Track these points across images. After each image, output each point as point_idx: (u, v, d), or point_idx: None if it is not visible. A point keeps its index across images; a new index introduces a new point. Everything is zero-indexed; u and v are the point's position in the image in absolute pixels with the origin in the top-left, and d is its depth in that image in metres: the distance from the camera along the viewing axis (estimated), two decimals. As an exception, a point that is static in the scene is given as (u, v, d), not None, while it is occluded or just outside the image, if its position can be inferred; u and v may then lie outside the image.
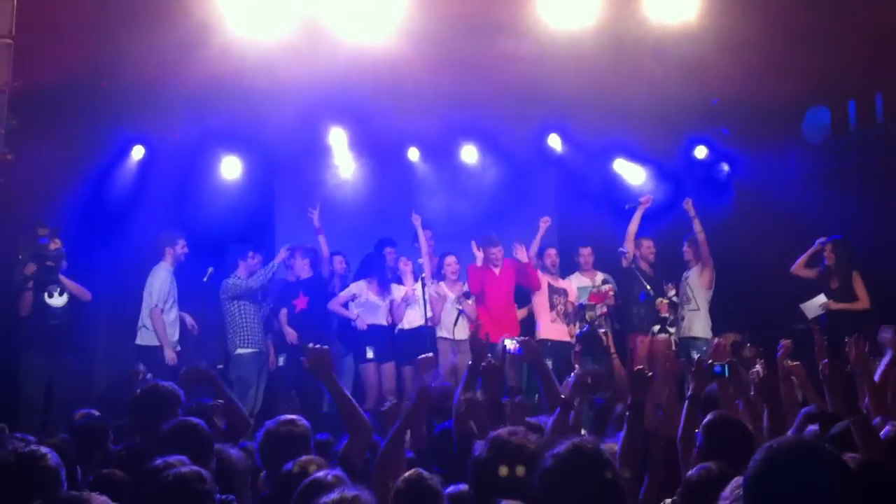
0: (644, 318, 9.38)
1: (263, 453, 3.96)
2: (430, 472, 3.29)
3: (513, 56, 8.78)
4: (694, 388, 4.68)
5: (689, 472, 3.40)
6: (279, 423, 4.01)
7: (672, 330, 9.26)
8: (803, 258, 8.84)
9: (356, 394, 8.88)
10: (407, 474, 3.21)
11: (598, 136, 10.42)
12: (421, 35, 8.20)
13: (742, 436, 3.92)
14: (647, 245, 9.53)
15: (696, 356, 6.56)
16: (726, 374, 4.87)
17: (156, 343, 8.41)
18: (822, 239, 8.72)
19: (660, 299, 9.32)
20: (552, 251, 9.55)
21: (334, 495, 2.80)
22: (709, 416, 4.02)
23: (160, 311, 8.47)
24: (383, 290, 9.05)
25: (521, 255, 9.25)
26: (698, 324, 9.18)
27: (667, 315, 9.28)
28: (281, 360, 8.70)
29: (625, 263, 9.47)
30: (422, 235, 9.42)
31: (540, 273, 9.38)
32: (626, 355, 9.19)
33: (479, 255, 9.27)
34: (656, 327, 9.24)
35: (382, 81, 8.94)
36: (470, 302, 9.12)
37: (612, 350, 8.04)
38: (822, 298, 8.61)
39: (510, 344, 5.35)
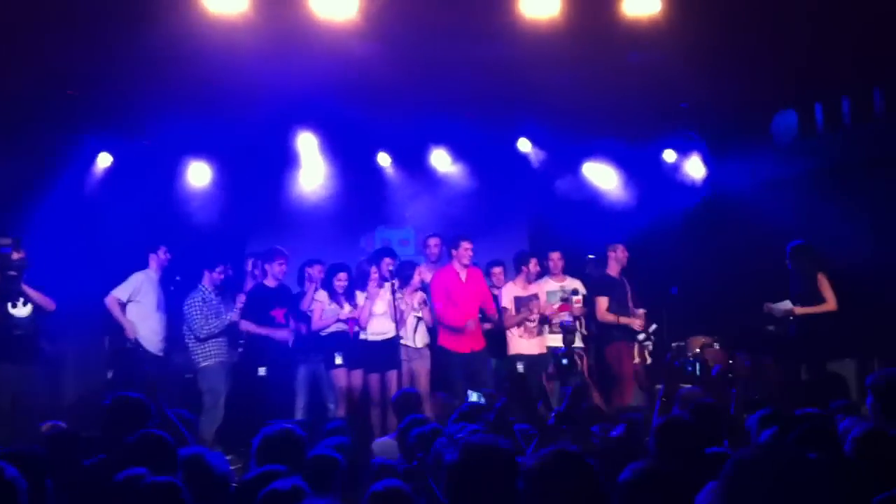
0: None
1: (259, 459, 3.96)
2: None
3: (483, 60, 8.76)
4: (666, 388, 4.69)
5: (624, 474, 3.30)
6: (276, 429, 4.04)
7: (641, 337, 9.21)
8: None
9: (314, 402, 8.85)
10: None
11: (569, 140, 10.43)
12: (392, 38, 8.19)
13: (691, 438, 3.93)
14: (622, 250, 9.50)
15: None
16: (697, 373, 4.91)
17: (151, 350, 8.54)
18: None
19: (641, 310, 9.29)
20: (533, 261, 9.42)
21: None
22: (659, 421, 4.04)
23: (114, 300, 8.61)
24: (336, 298, 8.91)
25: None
26: None
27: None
28: (262, 371, 8.58)
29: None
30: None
31: (506, 288, 9.30)
32: (603, 361, 9.21)
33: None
34: (641, 335, 9.19)
35: (353, 85, 8.91)
36: (427, 308, 9.07)
37: (585, 373, 8.10)
38: (787, 304, 8.68)
39: (474, 396, 5.38)
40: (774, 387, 9.09)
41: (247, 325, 8.71)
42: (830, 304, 8.56)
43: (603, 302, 9.22)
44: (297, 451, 3.92)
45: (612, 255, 9.44)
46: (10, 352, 7.70)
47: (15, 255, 7.73)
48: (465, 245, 9.09)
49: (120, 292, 8.65)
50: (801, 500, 2.10)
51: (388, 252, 9.31)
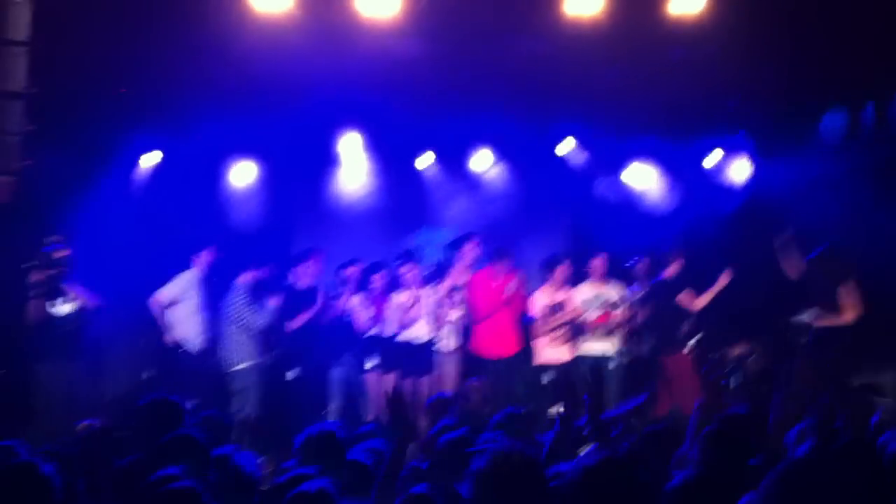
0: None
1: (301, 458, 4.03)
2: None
3: (526, 59, 8.73)
4: (706, 398, 4.65)
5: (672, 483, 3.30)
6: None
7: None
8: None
9: (348, 406, 8.91)
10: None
11: (612, 140, 10.33)
12: (435, 37, 8.21)
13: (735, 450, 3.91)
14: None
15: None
16: (732, 386, 4.87)
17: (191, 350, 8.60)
18: None
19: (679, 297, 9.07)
20: (562, 266, 9.15)
21: None
22: (707, 427, 4.02)
23: (157, 301, 8.60)
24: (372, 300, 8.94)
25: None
26: None
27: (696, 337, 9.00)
28: (291, 375, 8.64)
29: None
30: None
31: (533, 297, 9.11)
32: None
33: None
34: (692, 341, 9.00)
35: (397, 84, 8.94)
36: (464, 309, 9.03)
37: None
38: (810, 313, 8.41)
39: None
40: (811, 398, 8.88)
41: (292, 324, 8.75)
42: (849, 315, 8.10)
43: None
44: (338, 453, 3.99)
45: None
46: (54, 349, 7.87)
47: (58, 253, 7.88)
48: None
49: (164, 294, 8.66)
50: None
51: (410, 255, 9.31)
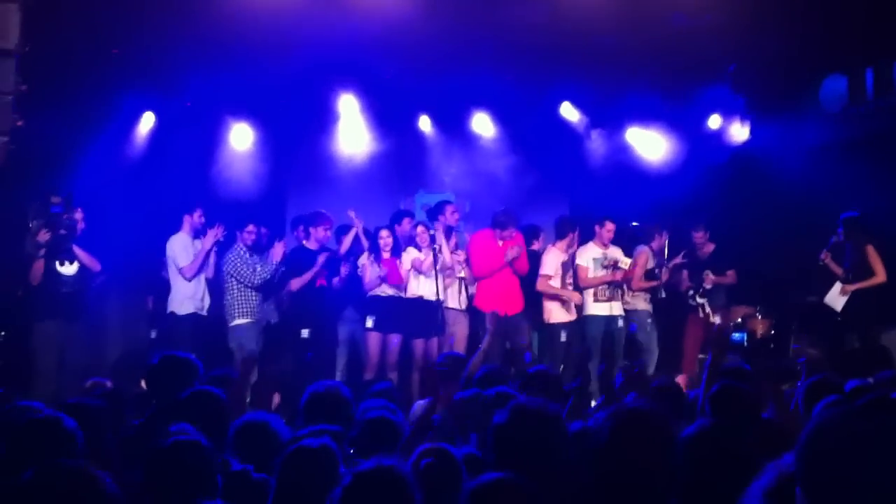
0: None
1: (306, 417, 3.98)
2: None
3: (525, 21, 8.65)
4: (714, 356, 4.64)
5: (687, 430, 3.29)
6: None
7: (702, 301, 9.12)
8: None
9: (354, 363, 8.93)
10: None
11: (612, 104, 10.28)
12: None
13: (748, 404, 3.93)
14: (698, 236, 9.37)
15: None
16: (745, 343, 4.86)
17: (186, 311, 8.43)
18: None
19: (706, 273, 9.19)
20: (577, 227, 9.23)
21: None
22: (714, 387, 4.04)
23: (188, 273, 8.46)
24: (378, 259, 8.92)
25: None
26: None
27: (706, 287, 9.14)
28: (305, 333, 8.61)
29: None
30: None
31: (550, 253, 9.12)
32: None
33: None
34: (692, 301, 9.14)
35: (394, 45, 8.85)
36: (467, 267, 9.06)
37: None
38: (837, 286, 8.59)
39: None
40: (815, 357, 9.01)
41: (296, 283, 8.70)
42: (880, 276, 8.47)
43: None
44: (345, 410, 3.95)
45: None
46: (57, 310, 7.83)
47: (73, 216, 7.87)
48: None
49: (182, 261, 8.48)
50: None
51: (408, 213, 9.37)
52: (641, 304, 9.30)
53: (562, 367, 8.81)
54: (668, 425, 2.88)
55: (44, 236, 7.77)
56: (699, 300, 8.99)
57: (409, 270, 8.87)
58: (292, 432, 3.73)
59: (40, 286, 7.83)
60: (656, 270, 9.21)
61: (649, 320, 9.26)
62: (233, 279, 8.68)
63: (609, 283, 9.06)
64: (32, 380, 7.54)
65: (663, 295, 9.26)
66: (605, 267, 9.08)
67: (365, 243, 8.98)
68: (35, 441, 2.91)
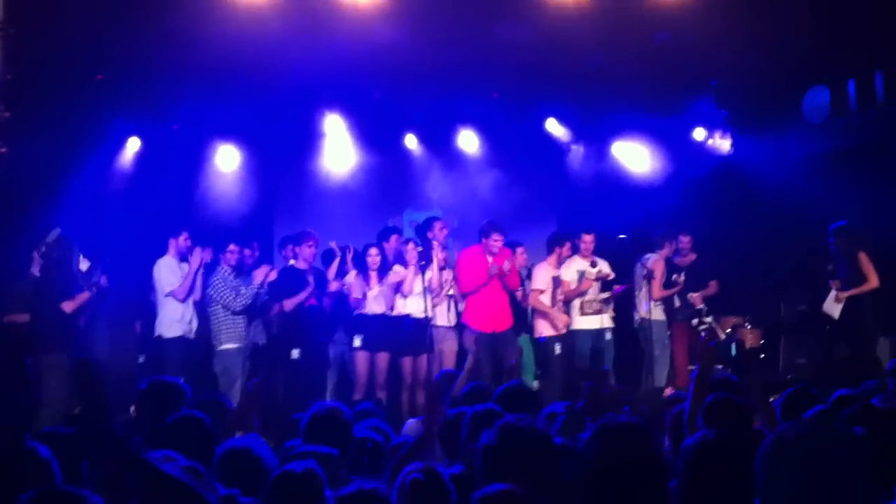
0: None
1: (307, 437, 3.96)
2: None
3: (510, 40, 8.70)
4: (701, 367, 4.62)
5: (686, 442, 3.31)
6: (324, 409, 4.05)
7: (708, 319, 9.17)
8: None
9: (343, 383, 8.90)
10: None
11: (597, 120, 10.34)
12: (418, 18, 8.16)
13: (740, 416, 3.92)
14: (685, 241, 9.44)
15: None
16: (733, 353, 4.86)
17: (173, 334, 8.40)
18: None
19: (691, 294, 9.21)
20: (567, 245, 9.19)
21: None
22: (709, 398, 4.03)
23: (180, 296, 8.45)
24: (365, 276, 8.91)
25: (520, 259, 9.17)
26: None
27: (701, 307, 9.17)
28: (296, 353, 8.57)
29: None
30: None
31: (542, 268, 9.14)
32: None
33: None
34: (694, 321, 9.13)
35: (379, 66, 8.89)
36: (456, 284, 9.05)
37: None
38: (833, 294, 8.64)
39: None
40: (803, 366, 9.07)
41: (289, 303, 8.64)
42: (873, 282, 8.54)
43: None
44: (345, 432, 3.93)
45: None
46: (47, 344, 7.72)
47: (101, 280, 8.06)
48: (496, 237, 8.89)
49: (167, 285, 8.48)
50: (842, 476, 2.05)
51: (396, 230, 9.37)
52: (658, 313, 9.26)
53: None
54: (649, 437, 2.90)
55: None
56: (706, 321, 9.00)
57: (391, 285, 8.80)
58: (279, 455, 3.71)
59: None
60: (672, 277, 9.23)
61: (668, 332, 9.25)
62: (217, 304, 8.66)
63: (603, 296, 9.07)
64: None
65: (678, 304, 9.24)
66: (597, 279, 9.08)
67: (349, 267, 8.94)
68: (9, 471, 2.87)
